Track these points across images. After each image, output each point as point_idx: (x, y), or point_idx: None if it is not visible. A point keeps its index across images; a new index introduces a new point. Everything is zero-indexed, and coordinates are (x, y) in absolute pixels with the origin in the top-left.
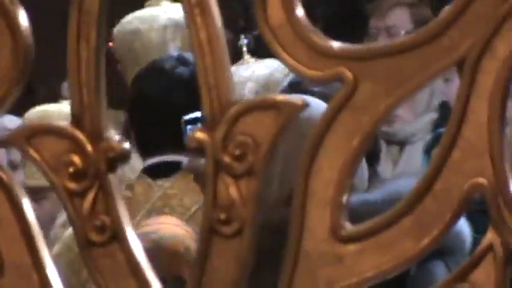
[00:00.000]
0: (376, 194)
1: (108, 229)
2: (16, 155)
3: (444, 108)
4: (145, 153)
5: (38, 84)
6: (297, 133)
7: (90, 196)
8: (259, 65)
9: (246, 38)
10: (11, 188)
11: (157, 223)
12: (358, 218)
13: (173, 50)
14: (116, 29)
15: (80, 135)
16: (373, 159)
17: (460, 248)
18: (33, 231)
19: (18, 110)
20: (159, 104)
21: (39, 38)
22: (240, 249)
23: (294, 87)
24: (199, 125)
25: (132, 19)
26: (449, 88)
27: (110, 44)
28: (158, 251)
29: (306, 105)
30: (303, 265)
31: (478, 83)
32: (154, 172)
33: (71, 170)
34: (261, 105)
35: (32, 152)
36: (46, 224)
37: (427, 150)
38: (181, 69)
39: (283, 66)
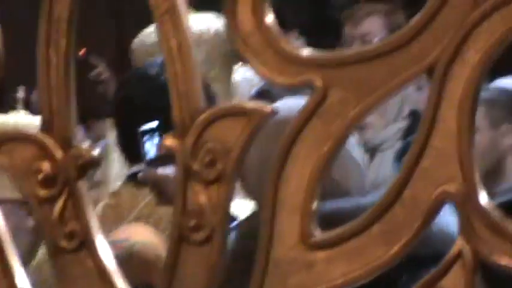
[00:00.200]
0: (369, 198)
1: (77, 236)
2: None
3: (414, 116)
4: (130, 160)
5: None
6: (260, 146)
7: (59, 203)
8: None
9: None
10: None
11: (128, 230)
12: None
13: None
14: (136, 41)
15: (50, 142)
16: None
17: None
18: (2, 239)
19: None
20: (143, 110)
21: (8, 45)
22: (209, 256)
23: (263, 95)
24: (156, 135)
25: (153, 31)
26: (422, 96)
27: (82, 52)
28: (129, 259)
29: (275, 112)
30: (273, 272)
31: (447, 90)
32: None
33: (40, 176)
34: (231, 112)
35: (1, 158)
36: None
37: (398, 158)
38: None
39: None
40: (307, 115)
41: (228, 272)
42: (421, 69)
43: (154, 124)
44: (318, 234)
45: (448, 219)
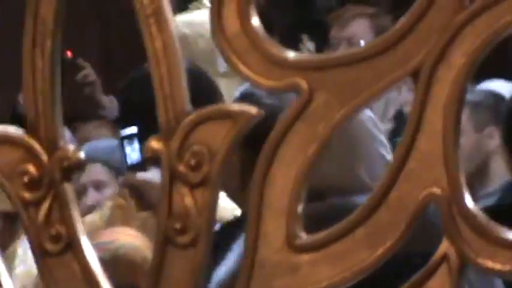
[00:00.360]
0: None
1: (63, 239)
2: None
3: (399, 117)
4: None
5: None
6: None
7: (45, 205)
8: None
9: None
10: None
11: (114, 233)
12: None
13: (220, 59)
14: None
15: (35, 144)
16: None
17: None
18: None
19: None
20: (148, 112)
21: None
22: (195, 259)
23: (246, 98)
24: (136, 141)
25: (180, 24)
26: (400, 97)
27: (69, 54)
28: (115, 262)
29: (260, 114)
30: (258, 275)
31: (433, 93)
32: None
33: (25, 179)
34: (216, 115)
35: None
36: None
37: None
38: None
39: None
40: (293, 118)
41: None
42: (407, 72)
43: (134, 130)
44: (303, 237)
45: None
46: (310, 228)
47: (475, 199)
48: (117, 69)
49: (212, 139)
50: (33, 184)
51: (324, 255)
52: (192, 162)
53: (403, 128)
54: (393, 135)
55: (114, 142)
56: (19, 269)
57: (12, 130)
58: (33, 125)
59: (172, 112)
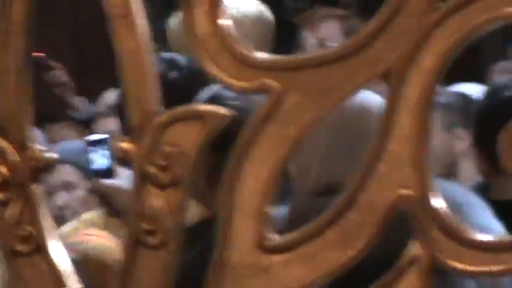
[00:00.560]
0: None
1: (32, 239)
2: None
3: None
4: None
5: None
6: (344, 127)
7: (14, 206)
8: None
9: None
10: None
11: (85, 234)
12: None
13: None
14: (171, 22)
15: (5, 145)
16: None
17: None
18: None
19: None
20: None
21: None
22: (165, 260)
23: (213, 100)
24: (104, 146)
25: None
26: None
27: (39, 54)
28: (85, 263)
29: (230, 115)
30: (229, 276)
31: (403, 94)
32: None
33: None
34: (187, 116)
35: None
36: None
37: None
38: (174, 74)
39: None
40: (264, 119)
41: None
42: (377, 74)
43: (103, 135)
44: (274, 238)
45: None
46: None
47: None
48: (89, 71)
49: (183, 140)
50: (2, 185)
51: (294, 256)
52: (163, 163)
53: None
54: None
55: (83, 143)
56: None
57: None
58: (3, 126)
59: (142, 113)
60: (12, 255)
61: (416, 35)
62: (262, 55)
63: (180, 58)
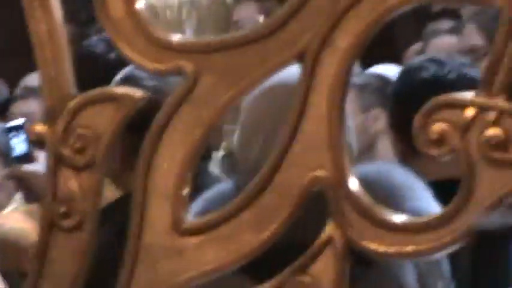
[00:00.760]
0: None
1: None
2: None
3: None
4: None
5: None
6: (287, 101)
7: None
8: None
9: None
10: None
11: (2, 217)
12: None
13: (189, 30)
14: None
15: None
16: (205, 155)
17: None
18: None
19: None
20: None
21: None
22: (80, 242)
23: (127, 80)
24: (22, 132)
25: None
26: None
27: None
28: (2, 245)
29: (145, 98)
30: (143, 258)
31: (317, 76)
32: None
33: None
34: (101, 98)
35: None
36: None
37: None
38: (113, 55)
39: None
40: (178, 101)
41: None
42: (292, 55)
43: (20, 121)
44: (189, 221)
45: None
46: None
47: None
48: (7, 52)
49: (97, 122)
50: None
51: (209, 238)
52: (77, 145)
53: None
54: None
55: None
56: None
57: None
58: None
59: (57, 96)
60: None
61: (331, 16)
62: (176, 37)
63: None
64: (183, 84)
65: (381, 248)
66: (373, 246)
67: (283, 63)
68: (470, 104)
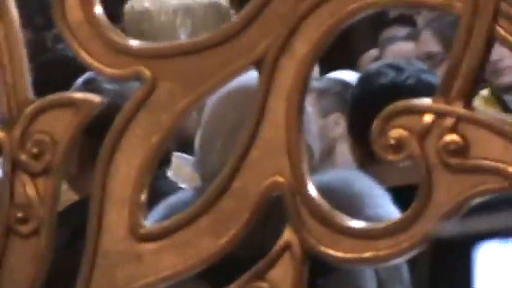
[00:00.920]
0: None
1: None
2: None
3: None
4: None
5: None
6: (236, 108)
7: None
8: None
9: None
10: None
11: None
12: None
13: (183, 36)
14: (126, 7)
15: None
16: (164, 161)
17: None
18: None
19: None
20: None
21: None
22: (37, 248)
23: (88, 84)
24: None
25: None
26: None
27: None
28: None
29: (103, 103)
30: (101, 263)
31: (276, 81)
32: None
33: None
34: (59, 103)
35: None
36: None
37: None
38: None
39: None
40: (136, 106)
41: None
42: (250, 61)
43: None
44: (147, 226)
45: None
46: None
47: None
48: None
49: (55, 128)
50: None
51: (167, 244)
52: (34, 151)
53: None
54: None
55: None
56: None
57: None
58: None
59: (14, 101)
60: None
61: (290, 21)
62: (134, 42)
63: None
64: (141, 89)
65: (340, 254)
66: (332, 252)
67: (242, 69)
68: (428, 110)
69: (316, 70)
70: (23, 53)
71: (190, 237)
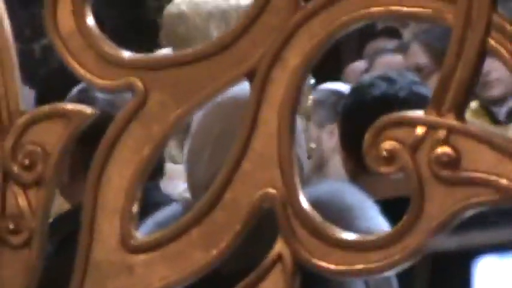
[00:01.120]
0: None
1: None
2: None
3: None
4: None
5: None
6: (225, 119)
7: None
8: None
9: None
10: None
11: None
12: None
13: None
14: (165, 10)
15: None
16: (156, 172)
17: None
18: None
19: None
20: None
21: None
22: (28, 259)
23: (83, 93)
24: None
25: (180, 2)
26: None
27: None
28: None
29: (95, 114)
30: (92, 275)
31: (268, 93)
32: None
33: None
34: (51, 115)
35: None
36: None
37: None
38: None
39: None
40: (128, 118)
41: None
42: (242, 73)
43: None
44: (138, 237)
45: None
46: None
47: None
48: None
49: (46, 139)
50: None
51: (159, 256)
52: (26, 162)
53: None
54: None
55: None
56: None
57: None
58: None
59: (6, 112)
60: None
61: (282, 33)
62: (126, 54)
63: None
64: (133, 100)
65: (331, 266)
66: (323, 264)
67: (234, 80)
68: (421, 122)
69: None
70: (14, 64)
71: (181, 249)
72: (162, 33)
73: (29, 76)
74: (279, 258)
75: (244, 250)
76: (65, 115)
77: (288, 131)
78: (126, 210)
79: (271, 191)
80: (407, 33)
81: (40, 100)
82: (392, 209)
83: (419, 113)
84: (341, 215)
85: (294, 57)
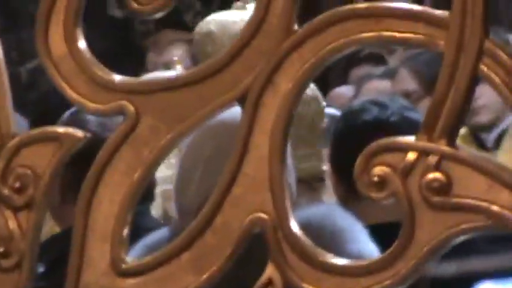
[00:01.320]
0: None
1: None
2: None
3: None
4: None
5: None
6: (226, 138)
7: None
8: None
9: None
10: None
11: None
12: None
13: None
14: (195, 29)
15: None
16: (147, 196)
17: None
18: None
19: None
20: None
21: None
22: (19, 282)
23: (74, 115)
24: None
25: (210, 21)
26: None
27: None
28: None
29: (86, 137)
30: None
31: (259, 117)
32: None
33: None
34: (42, 138)
35: None
36: None
37: None
38: None
39: None
40: (119, 141)
41: None
42: (233, 97)
43: None
44: (129, 261)
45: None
46: None
47: None
48: None
49: (37, 162)
50: None
51: (149, 280)
52: (17, 185)
53: None
54: None
55: None
56: None
57: None
58: None
59: None
60: None
61: (273, 58)
62: (118, 77)
63: None
64: (124, 124)
65: None
66: None
67: (225, 105)
68: (412, 147)
69: None
70: (6, 87)
71: (172, 272)
72: (191, 52)
73: (16, 100)
74: (270, 282)
75: (235, 274)
76: (56, 138)
77: (280, 156)
78: (117, 234)
79: (262, 215)
80: (392, 60)
81: (34, 124)
82: (383, 234)
83: (410, 139)
84: (332, 238)
85: (286, 82)
